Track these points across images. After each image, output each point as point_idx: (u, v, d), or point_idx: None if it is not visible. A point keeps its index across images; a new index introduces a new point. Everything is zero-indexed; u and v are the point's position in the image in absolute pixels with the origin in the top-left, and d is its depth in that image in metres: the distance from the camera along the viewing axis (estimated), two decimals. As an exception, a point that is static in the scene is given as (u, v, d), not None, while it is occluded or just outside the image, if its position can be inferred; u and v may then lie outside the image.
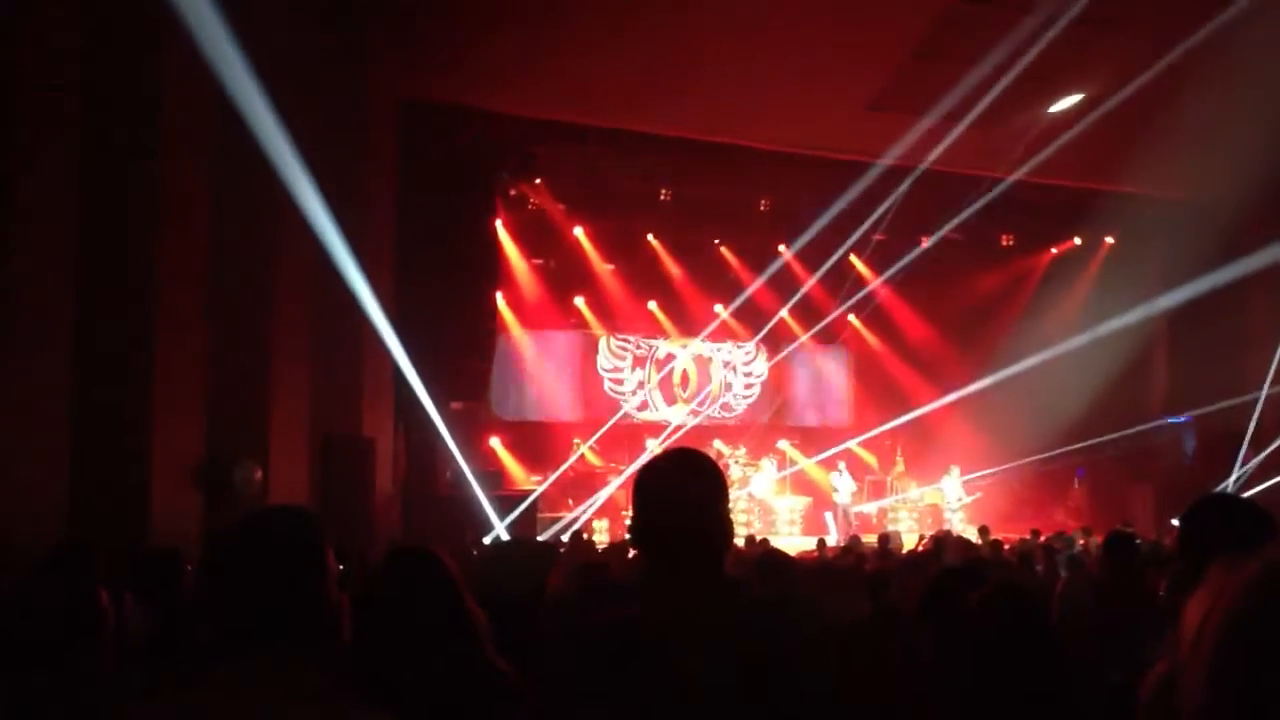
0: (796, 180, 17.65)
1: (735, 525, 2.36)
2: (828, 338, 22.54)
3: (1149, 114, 13.56)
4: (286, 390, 11.46)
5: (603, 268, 20.50)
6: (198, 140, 9.65)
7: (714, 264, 20.98)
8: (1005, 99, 13.62)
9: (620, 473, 18.77)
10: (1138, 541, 7.04)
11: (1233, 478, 17.44)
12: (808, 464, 20.80)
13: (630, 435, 20.43)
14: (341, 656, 1.91)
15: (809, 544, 14.72)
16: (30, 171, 7.88)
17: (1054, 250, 21.52)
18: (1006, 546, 11.57)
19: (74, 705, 2.43)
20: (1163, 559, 7.54)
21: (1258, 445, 17.53)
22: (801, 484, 21.39)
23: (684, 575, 2.10)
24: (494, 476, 16.80)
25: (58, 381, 8.11)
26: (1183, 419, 20.20)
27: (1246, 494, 14.90)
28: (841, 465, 19.70)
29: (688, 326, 21.26)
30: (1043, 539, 12.61)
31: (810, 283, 20.01)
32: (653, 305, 21.25)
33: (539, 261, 19.90)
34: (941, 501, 20.33)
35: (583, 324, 21.20)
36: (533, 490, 16.97)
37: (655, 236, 20.55)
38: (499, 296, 18.48)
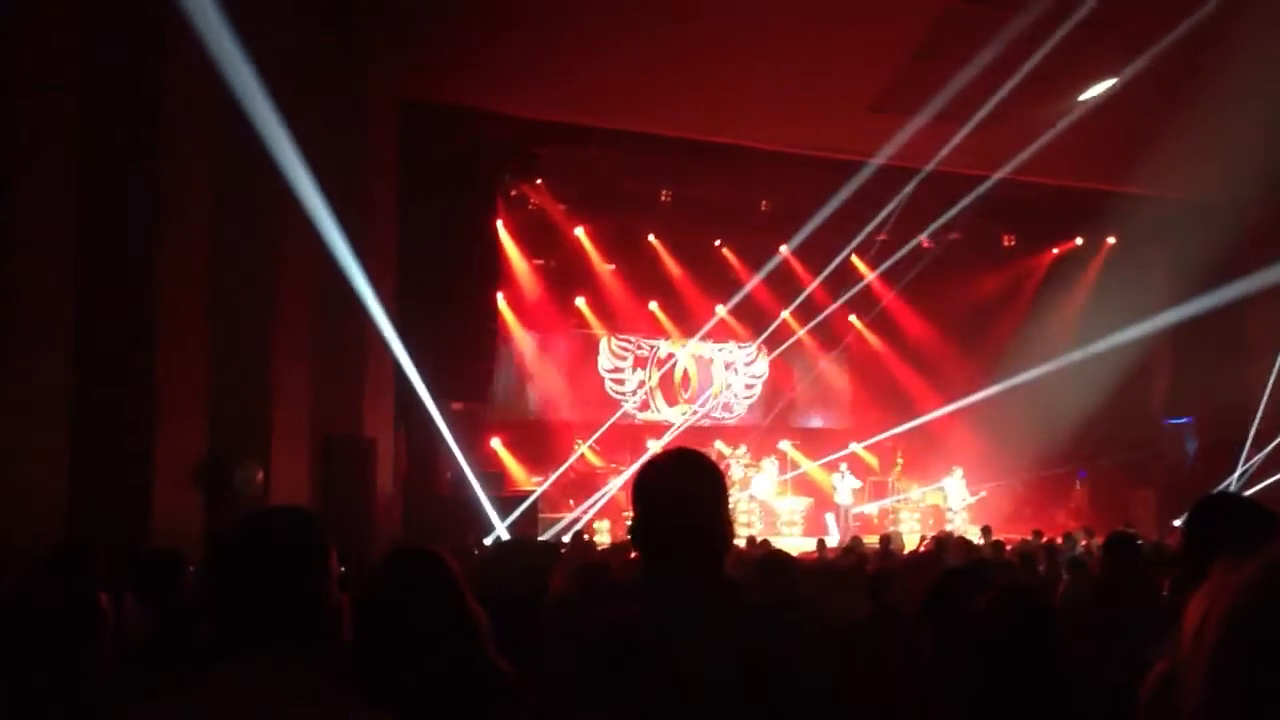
0: (797, 181, 17.64)
1: (736, 526, 2.35)
2: (831, 344, 22.55)
3: (1150, 113, 13.56)
4: (288, 391, 11.46)
5: (604, 268, 20.50)
6: (199, 140, 9.65)
7: (715, 264, 20.97)
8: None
9: (621, 473, 18.76)
10: (1139, 542, 7.02)
11: (1236, 474, 17.43)
12: (812, 467, 20.76)
13: (631, 436, 20.44)
14: (342, 657, 1.91)
15: (810, 545, 14.72)
16: (31, 171, 7.87)
17: (1055, 250, 21.51)
18: (1008, 547, 11.56)
19: (73, 705, 2.42)
20: (1165, 560, 7.53)
21: (1260, 445, 17.52)
22: (803, 484, 21.39)
23: (684, 575, 2.09)
24: (495, 477, 16.80)
25: (58, 382, 8.10)
26: (1184, 420, 20.19)
27: (1248, 492, 14.91)
28: (843, 466, 19.70)
29: (689, 327, 21.26)
30: (1044, 540, 12.60)
31: (813, 286, 20.02)
32: (654, 306, 21.26)
33: (540, 262, 19.91)
34: (943, 502, 20.32)
35: (584, 324, 21.20)
36: (534, 491, 16.96)
37: (656, 237, 20.55)
38: (500, 297, 18.47)
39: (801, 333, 21.34)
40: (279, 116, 9.98)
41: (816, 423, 23.23)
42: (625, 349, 21.66)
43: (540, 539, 13.75)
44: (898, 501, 20.89)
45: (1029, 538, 13.43)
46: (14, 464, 7.55)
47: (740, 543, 11.59)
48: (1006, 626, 2.49)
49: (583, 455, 19.84)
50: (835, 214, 17.23)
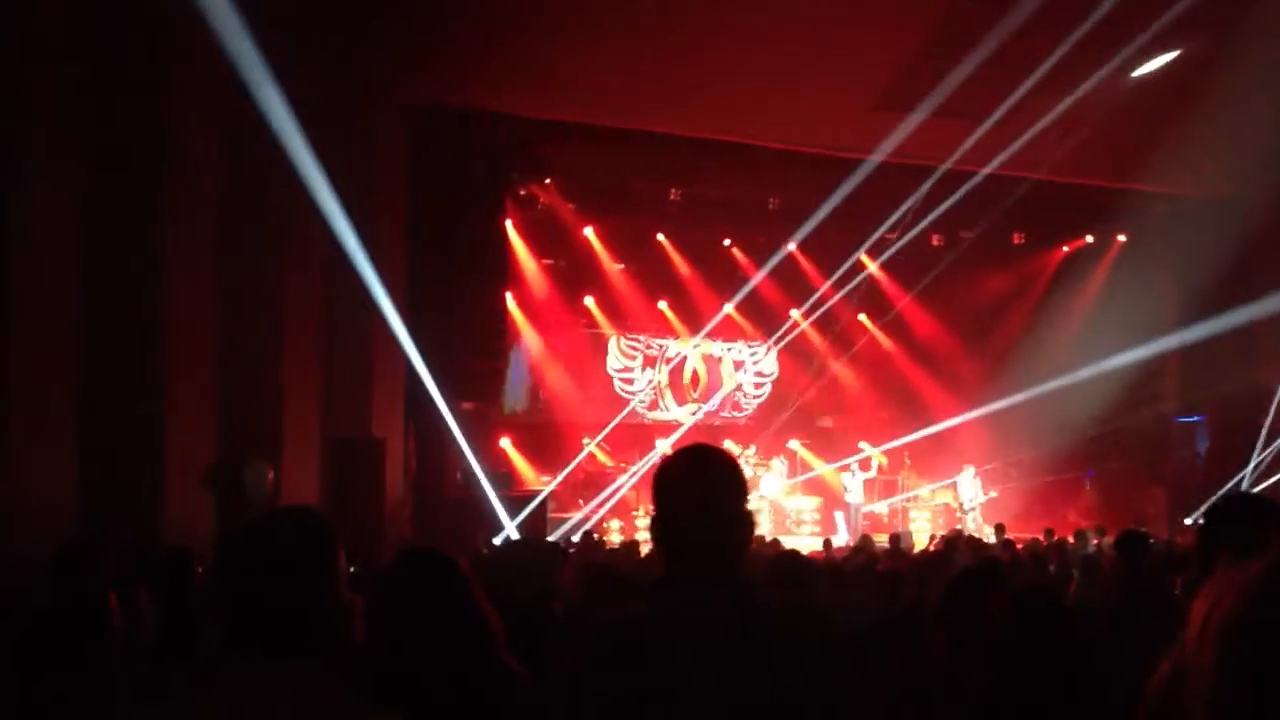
0: (806, 179, 17.61)
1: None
2: (840, 342, 22.50)
3: (1161, 111, 13.51)
4: (298, 392, 11.49)
5: (612, 268, 20.48)
6: (208, 142, 9.68)
7: (724, 264, 20.93)
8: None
9: (631, 472, 18.74)
10: (1150, 541, 6.99)
11: (1247, 472, 17.37)
12: (827, 470, 20.65)
13: (641, 435, 20.41)
14: (353, 658, 1.90)
15: (819, 544, 14.69)
16: (39, 172, 7.89)
17: (1065, 248, 21.43)
18: (1019, 546, 11.52)
19: (81, 705, 2.42)
20: (1175, 558, 7.49)
21: (1271, 442, 17.46)
22: (812, 483, 21.33)
23: (698, 574, 2.08)
24: (504, 477, 16.80)
25: (68, 383, 8.13)
26: (1195, 418, 20.13)
27: (1258, 489, 14.86)
28: (854, 465, 19.66)
29: (698, 326, 21.21)
30: (1055, 539, 12.56)
31: (825, 288, 20.00)
32: (663, 305, 21.23)
33: (549, 261, 19.88)
34: (953, 501, 20.27)
35: (593, 324, 21.18)
36: (542, 490, 16.95)
37: (665, 236, 20.51)
38: (509, 297, 18.47)
39: (805, 328, 21.30)
40: (288, 118, 10.00)
41: (826, 421, 23.15)
42: (634, 348, 21.64)
43: (547, 539, 13.73)
44: (907, 500, 20.84)
45: (1039, 536, 13.38)
46: (27, 466, 7.57)
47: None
48: (1022, 628, 2.48)
49: (592, 455, 19.82)
50: (845, 212, 17.19)
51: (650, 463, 18.33)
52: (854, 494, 19.30)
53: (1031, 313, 21.14)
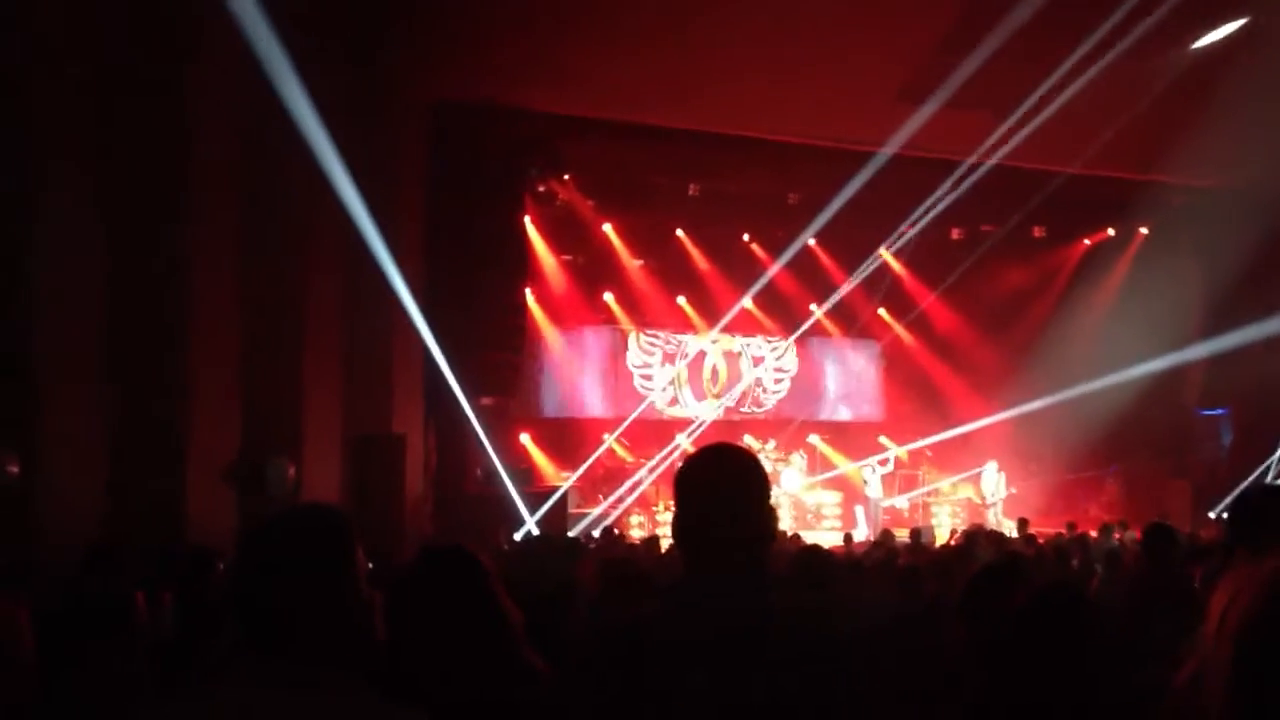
0: (826, 173, 17.55)
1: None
2: (859, 336, 22.48)
3: (1183, 102, 13.40)
4: (319, 389, 11.54)
5: (632, 263, 20.47)
6: (229, 142, 9.72)
7: (743, 259, 20.89)
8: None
9: (651, 469, 18.76)
10: (1176, 534, 6.94)
11: (1273, 460, 17.25)
12: (851, 468, 20.55)
13: (660, 431, 20.41)
14: (373, 655, 1.91)
15: (839, 539, 14.67)
16: (61, 174, 7.95)
17: (1087, 241, 21.30)
18: (1041, 541, 11.48)
19: (102, 702, 2.44)
20: (1200, 553, 7.45)
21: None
22: (832, 478, 21.27)
23: (718, 572, 2.08)
24: (524, 473, 16.83)
25: (93, 385, 8.18)
26: (1219, 411, 19.99)
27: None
28: (874, 459, 19.62)
29: (717, 322, 21.18)
30: (1078, 533, 12.51)
31: (846, 286, 19.97)
32: (682, 300, 21.20)
33: (568, 258, 19.88)
34: (975, 495, 20.21)
35: (612, 320, 21.18)
36: (562, 486, 16.98)
37: (684, 231, 20.50)
38: (528, 293, 18.50)
39: (824, 322, 21.27)
40: (307, 117, 10.03)
41: (845, 415, 23.10)
42: (654, 344, 21.64)
43: (567, 535, 13.75)
44: (927, 494, 20.78)
45: (1063, 531, 13.33)
46: (51, 465, 7.63)
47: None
48: (1041, 626, 2.47)
49: (612, 450, 19.83)
50: (864, 207, 17.14)
51: (670, 458, 18.36)
52: (873, 488, 19.27)
53: (1054, 306, 21.02)
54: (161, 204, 8.76)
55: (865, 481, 19.44)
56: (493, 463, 15.62)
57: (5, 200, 7.44)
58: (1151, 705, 2.12)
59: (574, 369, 20.87)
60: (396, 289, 12.65)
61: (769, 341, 22.29)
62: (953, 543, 12.72)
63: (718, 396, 21.90)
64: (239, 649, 1.78)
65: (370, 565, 2.00)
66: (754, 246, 20.88)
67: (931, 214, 18.08)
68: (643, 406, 20.44)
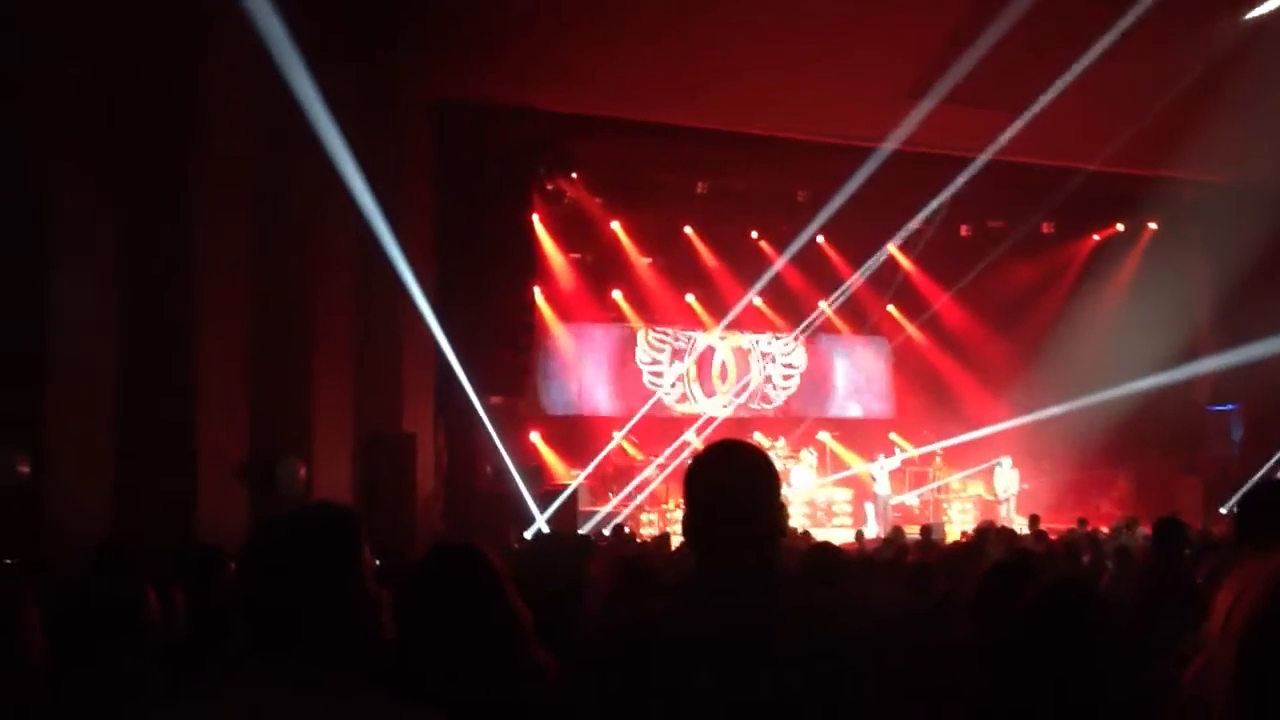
0: (833, 170, 17.53)
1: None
2: (868, 333, 22.46)
3: (1192, 97, 13.35)
4: (329, 388, 11.57)
5: (640, 261, 20.49)
6: (238, 142, 9.75)
7: (751, 256, 20.88)
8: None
9: (661, 466, 18.76)
10: (1186, 529, 6.92)
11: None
12: (862, 469, 20.50)
13: (670, 428, 20.41)
14: (380, 653, 1.91)
15: (849, 536, 14.65)
16: (72, 174, 7.98)
17: (1096, 237, 21.24)
18: (1053, 537, 11.45)
19: (116, 703, 2.45)
20: (1210, 548, 7.43)
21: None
22: (841, 475, 21.27)
23: (728, 570, 2.08)
24: (534, 471, 16.84)
25: (103, 385, 8.21)
26: (1229, 407, 19.92)
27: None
28: (881, 456, 19.60)
29: (726, 319, 21.19)
30: (1089, 529, 12.48)
31: (856, 280, 19.95)
32: (690, 298, 21.21)
33: (576, 255, 19.91)
34: (986, 491, 20.19)
35: (621, 317, 21.20)
36: (572, 484, 16.99)
37: (692, 229, 20.50)
38: (537, 291, 18.51)
39: (833, 318, 21.26)
40: (317, 117, 10.05)
41: (855, 412, 23.08)
42: (663, 341, 21.65)
43: (578, 533, 13.77)
44: (938, 490, 20.75)
45: (1074, 527, 13.31)
46: (63, 466, 7.66)
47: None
48: (1049, 624, 2.46)
49: (622, 448, 19.84)
50: (872, 204, 17.12)
51: (680, 455, 18.36)
52: (881, 485, 19.24)
53: (1063, 302, 20.96)
54: (171, 204, 8.79)
55: (873, 479, 19.41)
56: (503, 461, 15.64)
57: (16, 201, 7.47)
58: (1159, 702, 2.12)
59: (583, 367, 20.89)
60: (406, 288, 12.67)
61: (778, 338, 22.28)
62: (963, 539, 12.70)
63: (727, 393, 21.88)
64: (248, 649, 1.78)
65: (380, 563, 2.00)
66: (762, 244, 20.87)
67: (940, 210, 18.04)
68: (650, 403, 20.44)
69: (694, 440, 19.02)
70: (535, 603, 2.69)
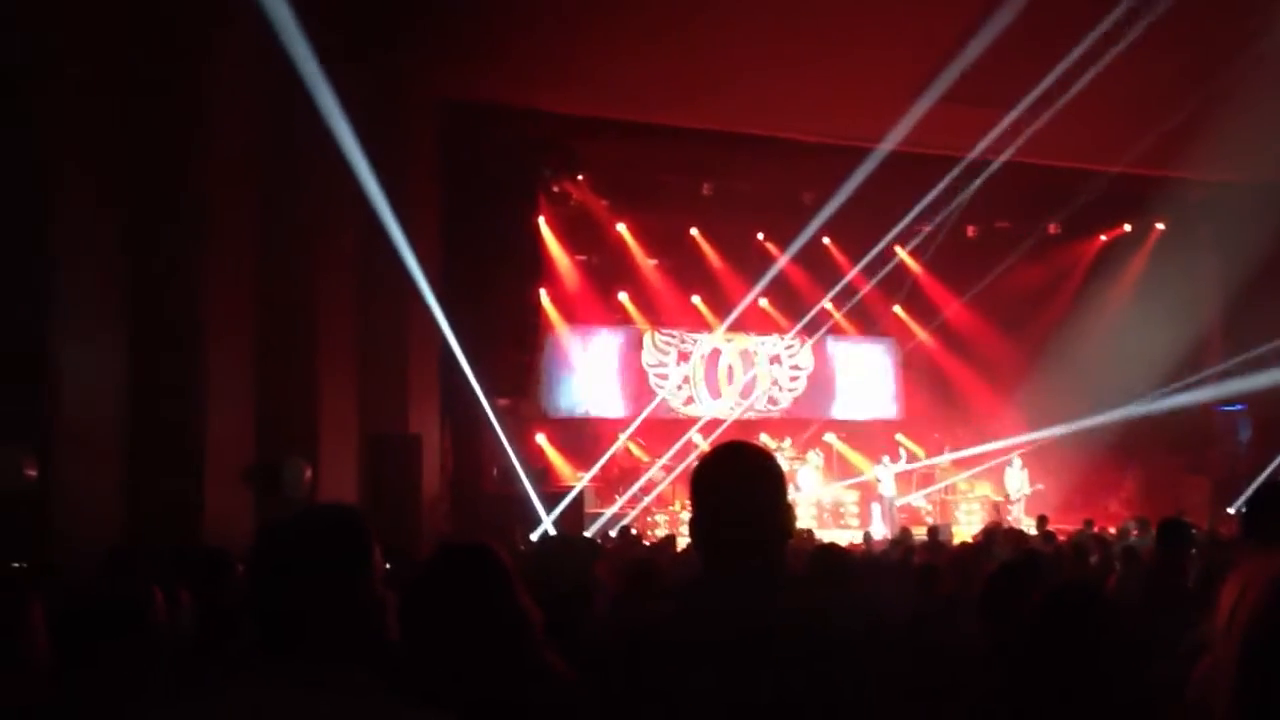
0: (839, 172, 17.51)
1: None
2: (875, 334, 22.44)
3: (1200, 97, 13.32)
4: (334, 390, 11.58)
5: (646, 263, 20.49)
6: (243, 139, 9.75)
7: (757, 258, 20.86)
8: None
9: (667, 468, 18.75)
10: (1193, 531, 6.90)
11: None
12: (870, 475, 20.44)
13: (676, 430, 20.39)
14: (388, 655, 1.91)
15: (856, 537, 14.63)
16: (76, 175, 7.98)
17: (1103, 237, 21.19)
18: (1061, 538, 11.43)
19: (120, 704, 2.45)
20: (1217, 548, 7.40)
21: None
22: (851, 476, 21.23)
23: (734, 572, 2.08)
24: (540, 473, 16.85)
25: (109, 387, 8.22)
26: (1237, 407, 19.87)
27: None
28: (885, 458, 19.58)
29: (732, 321, 21.17)
30: (1096, 529, 12.45)
31: (858, 277, 19.93)
32: (696, 299, 21.20)
33: (582, 257, 19.91)
34: (993, 492, 20.16)
35: (626, 319, 21.19)
36: (578, 486, 17.00)
37: (698, 231, 20.50)
38: (543, 293, 18.52)
39: (840, 320, 21.23)
40: (323, 116, 10.06)
41: (862, 414, 23.04)
42: (669, 343, 21.64)
43: (584, 534, 13.76)
44: (945, 490, 20.71)
45: (1081, 527, 13.28)
46: (67, 467, 7.67)
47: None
48: (1056, 625, 2.46)
49: (627, 450, 19.84)
50: (878, 204, 17.10)
51: (686, 457, 18.35)
52: (886, 487, 19.21)
53: (1070, 303, 20.93)
54: (174, 204, 8.79)
55: (878, 480, 19.38)
56: (509, 462, 15.64)
57: (20, 201, 7.47)
58: (1164, 702, 2.12)
59: (589, 369, 20.88)
60: (411, 289, 12.68)
61: (784, 340, 22.26)
62: (971, 540, 12.67)
63: (733, 395, 21.86)
64: (256, 650, 1.78)
65: (388, 565, 2.00)
66: (768, 245, 20.85)
67: (947, 211, 18.02)
68: (654, 404, 20.41)
69: (700, 442, 19.01)
70: (543, 604, 2.68)
